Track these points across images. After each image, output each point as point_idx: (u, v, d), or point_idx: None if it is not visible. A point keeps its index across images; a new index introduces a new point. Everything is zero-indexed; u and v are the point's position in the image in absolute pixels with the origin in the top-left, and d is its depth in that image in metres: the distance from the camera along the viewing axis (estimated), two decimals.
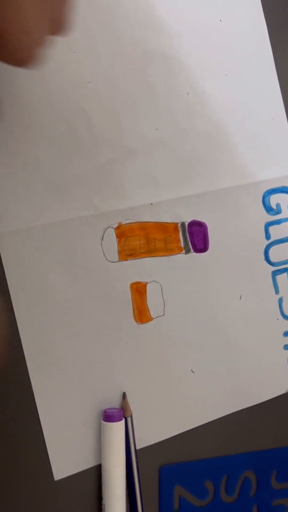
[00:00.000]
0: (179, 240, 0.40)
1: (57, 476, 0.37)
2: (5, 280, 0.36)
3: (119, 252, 0.39)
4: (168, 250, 0.40)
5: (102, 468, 0.37)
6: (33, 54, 0.27)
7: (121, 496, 0.37)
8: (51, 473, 0.37)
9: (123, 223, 0.39)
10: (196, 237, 0.40)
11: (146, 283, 0.39)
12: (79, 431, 0.37)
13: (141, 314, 0.39)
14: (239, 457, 0.42)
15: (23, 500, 0.37)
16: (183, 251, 0.40)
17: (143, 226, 0.39)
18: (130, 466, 0.38)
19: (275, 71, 0.43)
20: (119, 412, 0.37)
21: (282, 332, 0.43)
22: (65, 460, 0.37)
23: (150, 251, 0.39)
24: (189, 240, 0.40)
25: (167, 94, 0.39)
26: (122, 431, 0.37)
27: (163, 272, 0.39)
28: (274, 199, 0.42)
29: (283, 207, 0.43)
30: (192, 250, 0.40)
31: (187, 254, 0.40)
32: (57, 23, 0.29)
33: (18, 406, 0.36)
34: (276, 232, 0.43)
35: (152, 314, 0.39)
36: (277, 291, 0.43)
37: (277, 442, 0.43)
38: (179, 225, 0.40)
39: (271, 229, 0.42)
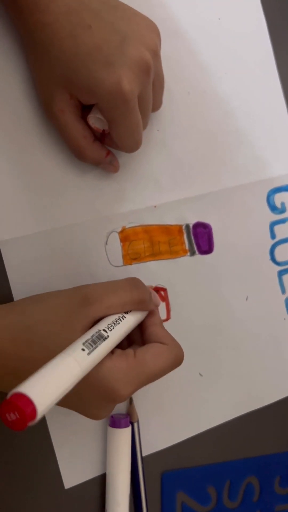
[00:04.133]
0: (184, 242, 0.40)
1: (67, 484, 0.37)
2: (9, 287, 0.36)
3: (124, 257, 0.38)
4: (172, 252, 0.39)
5: (107, 473, 0.37)
6: (140, 141, 0.34)
7: (125, 502, 0.37)
8: (61, 481, 0.37)
9: (126, 226, 0.38)
10: (201, 238, 0.40)
11: (152, 286, 0.39)
12: (87, 439, 0.37)
13: None
14: (241, 462, 0.42)
15: (35, 509, 0.37)
16: (188, 253, 0.40)
17: (147, 229, 0.39)
18: (134, 472, 0.38)
19: (275, 68, 0.42)
20: (125, 418, 0.37)
21: None
22: (75, 468, 0.37)
23: (155, 255, 0.39)
24: (193, 242, 0.40)
25: (168, 95, 0.38)
26: (128, 437, 0.37)
27: (169, 275, 0.39)
28: (278, 198, 0.42)
29: (287, 206, 0.42)
30: (197, 252, 0.40)
31: (192, 256, 0.40)
32: (156, 106, 0.37)
33: None
34: (281, 231, 0.42)
35: None
36: (283, 291, 0.42)
37: (280, 447, 0.43)
38: (183, 227, 0.40)
39: (276, 228, 0.42)
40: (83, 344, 0.27)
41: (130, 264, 0.38)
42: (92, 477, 0.38)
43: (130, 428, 0.37)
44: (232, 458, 0.41)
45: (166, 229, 0.39)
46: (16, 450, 0.36)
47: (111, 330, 0.29)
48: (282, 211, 0.42)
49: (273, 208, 0.42)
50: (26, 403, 0.21)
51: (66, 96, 0.32)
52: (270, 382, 0.42)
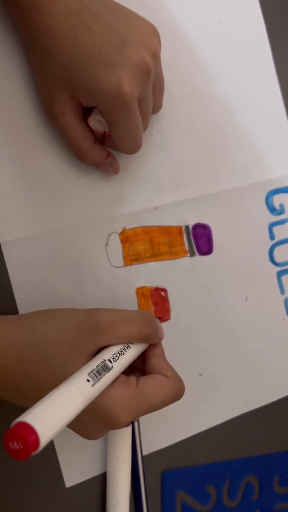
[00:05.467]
0: (184, 243, 0.40)
1: (68, 483, 0.37)
2: (11, 288, 0.36)
3: (124, 257, 0.38)
4: (172, 253, 0.40)
5: (108, 472, 0.37)
6: (140, 143, 0.35)
7: (125, 501, 0.37)
8: (62, 480, 0.37)
9: (127, 228, 0.38)
10: (201, 239, 0.40)
11: (152, 287, 0.39)
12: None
13: None
14: (241, 461, 0.42)
15: (36, 508, 0.37)
16: (188, 254, 0.40)
17: (147, 230, 0.39)
18: (134, 471, 0.38)
19: (274, 70, 0.42)
20: None
21: None
22: (75, 467, 0.37)
23: (155, 255, 0.39)
24: (193, 243, 0.40)
25: (168, 97, 0.39)
26: (128, 436, 0.37)
27: (169, 276, 0.39)
28: (277, 199, 0.42)
29: (286, 207, 0.43)
30: (196, 253, 0.40)
31: (192, 257, 0.40)
32: (156, 108, 0.37)
33: None
34: (280, 232, 0.42)
35: None
36: (282, 292, 0.43)
37: (280, 446, 0.43)
38: (183, 228, 0.40)
39: (275, 229, 0.42)
40: (89, 374, 0.27)
41: (131, 264, 0.39)
42: (93, 476, 0.38)
43: (130, 427, 0.37)
44: (232, 458, 0.42)
45: (166, 230, 0.39)
46: None
47: (115, 360, 0.29)
48: (281, 212, 0.42)
49: (272, 209, 0.42)
50: (30, 433, 0.21)
51: (67, 98, 0.32)
52: (269, 381, 0.42)
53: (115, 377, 0.29)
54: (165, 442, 0.40)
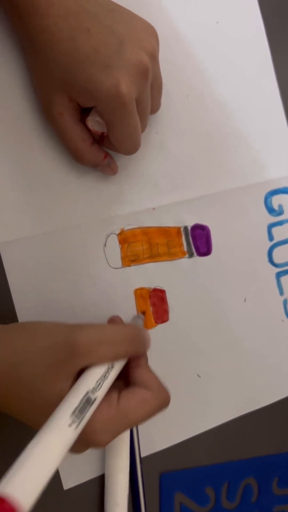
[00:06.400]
0: (182, 244, 0.40)
1: (66, 485, 0.37)
2: (8, 289, 0.36)
3: (122, 258, 0.38)
4: (171, 254, 0.40)
5: (106, 474, 0.37)
6: (139, 144, 0.35)
7: (124, 503, 0.37)
8: (60, 482, 0.37)
9: (125, 228, 0.38)
10: (199, 240, 0.40)
11: (150, 288, 0.39)
12: None
13: (146, 320, 0.39)
14: (240, 463, 0.42)
15: (33, 510, 0.37)
16: (187, 255, 0.40)
17: (146, 231, 0.39)
18: (132, 473, 0.38)
19: (273, 71, 0.42)
20: None
21: (287, 334, 0.43)
22: (73, 469, 0.37)
23: (153, 256, 0.39)
24: (192, 244, 0.40)
25: (166, 97, 0.39)
26: (126, 438, 0.37)
27: (167, 277, 0.39)
28: (276, 200, 0.42)
29: (285, 208, 0.42)
30: (195, 254, 0.40)
31: (191, 258, 0.40)
32: (154, 109, 0.37)
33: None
34: (279, 233, 0.42)
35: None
36: (281, 293, 0.42)
37: (278, 448, 0.43)
38: (181, 229, 0.40)
39: (274, 230, 0.42)
40: (71, 415, 0.25)
41: (129, 265, 0.38)
42: (91, 478, 0.38)
43: (128, 429, 0.37)
44: (231, 459, 0.42)
45: (164, 231, 0.39)
46: (16, 450, 0.36)
47: (99, 389, 0.27)
48: (280, 213, 0.42)
49: (270, 210, 0.42)
50: (11, 508, 0.20)
51: (65, 99, 0.32)
52: (268, 383, 0.42)
53: (97, 405, 0.28)
54: (164, 444, 0.39)
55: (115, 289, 0.38)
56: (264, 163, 0.42)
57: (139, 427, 0.38)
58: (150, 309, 0.39)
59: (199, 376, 0.40)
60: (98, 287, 0.38)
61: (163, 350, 0.39)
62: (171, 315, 0.39)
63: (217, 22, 0.41)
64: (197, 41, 0.40)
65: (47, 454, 0.24)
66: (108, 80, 0.30)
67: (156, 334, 0.39)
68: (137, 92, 0.32)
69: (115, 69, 0.30)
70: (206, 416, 0.40)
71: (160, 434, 0.39)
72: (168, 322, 0.39)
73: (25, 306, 0.36)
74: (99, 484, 0.38)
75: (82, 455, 0.37)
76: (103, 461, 0.38)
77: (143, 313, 0.38)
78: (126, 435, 0.37)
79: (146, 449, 0.39)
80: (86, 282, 0.37)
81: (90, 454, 0.38)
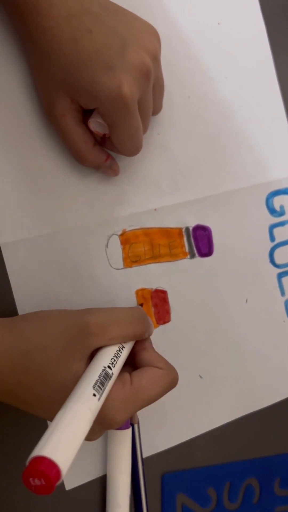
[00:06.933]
0: (184, 245, 0.40)
1: (68, 486, 0.37)
2: (11, 290, 0.36)
3: (124, 259, 0.38)
4: (173, 255, 0.40)
5: (108, 475, 0.37)
6: (141, 145, 0.35)
7: (125, 504, 0.37)
8: (62, 483, 0.37)
9: (127, 229, 0.38)
10: (201, 241, 0.40)
11: (152, 289, 0.39)
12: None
13: None
14: (241, 464, 0.42)
15: (36, 511, 0.37)
16: (188, 256, 0.40)
17: (147, 232, 0.39)
18: (134, 473, 0.38)
19: (274, 72, 0.42)
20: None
21: None
22: (76, 469, 0.37)
23: (155, 257, 0.39)
24: (193, 244, 0.40)
25: (168, 98, 0.39)
26: (128, 438, 0.37)
27: (169, 278, 0.39)
28: (277, 201, 0.42)
29: (286, 209, 0.43)
30: (197, 255, 0.40)
31: (192, 259, 0.40)
32: (156, 110, 0.37)
33: (27, 415, 0.36)
34: (281, 234, 0.42)
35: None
36: (283, 293, 0.42)
37: (280, 449, 0.43)
38: (183, 230, 0.40)
39: (276, 231, 0.42)
40: (93, 387, 0.26)
41: (131, 266, 0.39)
42: (93, 479, 0.38)
43: (130, 429, 0.37)
44: (232, 460, 0.42)
45: (166, 232, 0.39)
46: (18, 451, 0.36)
47: (114, 366, 0.29)
48: (281, 214, 0.42)
49: (272, 211, 0.42)
50: (50, 466, 0.20)
51: (67, 100, 0.32)
52: (269, 384, 0.42)
53: (113, 381, 0.29)
54: (165, 444, 0.40)
55: (116, 290, 0.38)
56: (266, 164, 0.42)
57: (141, 427, 0.38)
58: (151, 310, 0.39)
59: (200, 377, 0.40)
60: (99, 288, 0.38)
61: (164, 351, 0.39)
62: (173, 316, 0.39)
63: (219, 23, 0.41)
64: (198, 42, 0.40)
65: (78, 420, 0.24)
66: (110, 82, 0.30)
67: (158, 335, 0.39)
68: (139, 93, 0.32)
69: (117, 70, 0.31)
70: (208, 416, 0.41)
71: (162, 434, 0.39)
72: (169, 323, 0.39)
73: (27, 307, 0.36)
74: (101, 485, 0.38)
75: (83, 455, 0.37)
76: (105, 461, 0.38)
77: (141, 305, 0.39)
78: (128, 435, 0.37)
79: (148, 449, 0.39)
80: (88, 283, 0.37)
81: (92, 455, 0.38)
